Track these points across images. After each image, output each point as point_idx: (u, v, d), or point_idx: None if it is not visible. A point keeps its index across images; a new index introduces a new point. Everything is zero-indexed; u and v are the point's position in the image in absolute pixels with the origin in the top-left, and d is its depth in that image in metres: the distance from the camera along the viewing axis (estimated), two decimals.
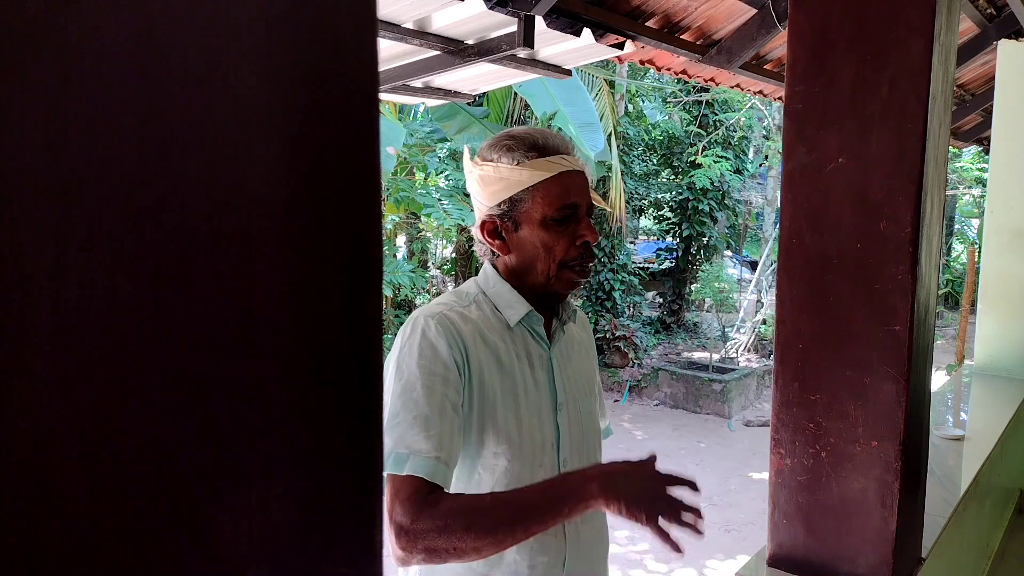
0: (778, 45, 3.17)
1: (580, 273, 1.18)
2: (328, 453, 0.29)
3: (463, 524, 0.99)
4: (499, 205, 1.17)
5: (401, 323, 8.19)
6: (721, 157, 10.08)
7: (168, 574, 0.24)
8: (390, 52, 2.68)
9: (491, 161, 1.17)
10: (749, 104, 10.38)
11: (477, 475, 1.16)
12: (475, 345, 1.14)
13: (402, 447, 1.04)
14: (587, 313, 9.63)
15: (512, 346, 1.19)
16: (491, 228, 1.19)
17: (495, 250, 1.20)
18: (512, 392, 1.16)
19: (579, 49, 2.71)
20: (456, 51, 2.58)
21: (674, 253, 11.07)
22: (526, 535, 1.02)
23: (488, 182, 1.17)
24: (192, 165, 0.24)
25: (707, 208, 10.40)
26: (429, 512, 1.00)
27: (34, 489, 0.21)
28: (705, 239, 10.68)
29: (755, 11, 2.80)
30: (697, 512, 1.03)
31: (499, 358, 1.16)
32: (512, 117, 9.78)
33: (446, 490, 1.06)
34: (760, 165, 12.60)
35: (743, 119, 10.83)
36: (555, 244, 1.15)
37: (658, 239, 13.79)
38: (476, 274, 1.27)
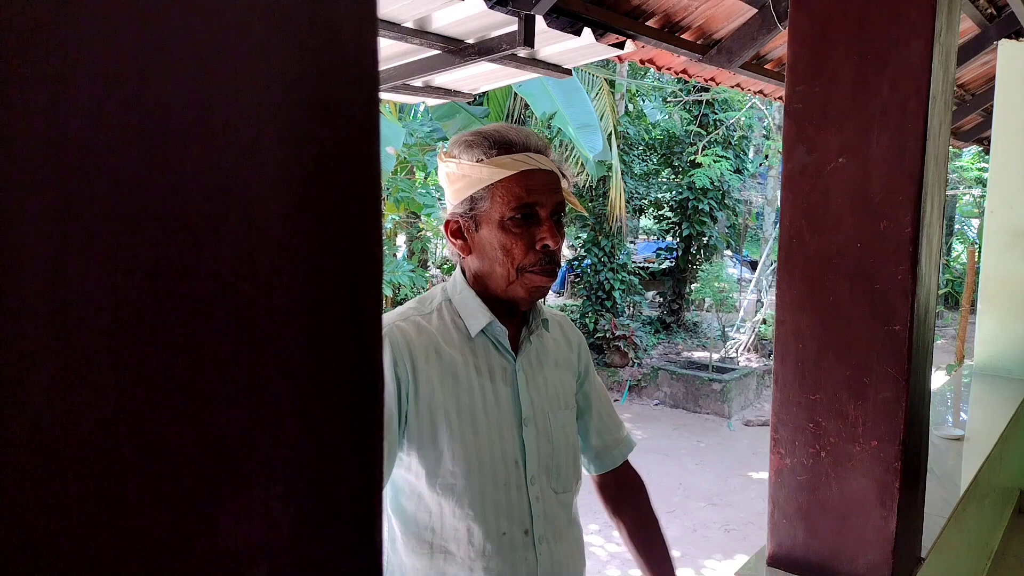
0: (778, 45, 3.17)
1: (541, 274, 1.11)
2: (328, 453, 0.29)
3: None
4: (461, 203, 1.12)
5: None
6: (721, 157, 10.08)
7: (168, 574, 0.24)
8: (390, 51, 2.68)
9: (455, 157, 1.12)
10: (749, 104, 10.38)
11: (436, 493, 1.10)
12: (427, 359, 1.10)
13: None
14: (587, 313, 9.63)
15: (472, 358, 1.13)
16: (454, 228, 1.14)
17: (459, 251, 1.16)
18: (469, 408, 1.10)
19: (579, 48, 2.71)
20: (456, 50, 2.58)
21: (674, 253, 11.07)
22: None
23: (452, 179, 1.13)
24: (192, 165, 0.24)
25: (707, 208, 10.40)
26: None
27: (34, 489, 0.21)
28: (705, 239, 10.68)
29: (755, 11, 2.80)
30: None
31: (455, 372, 1.11)
32: (512, 117, 9.78)
33: None
34: (760, 165, 12.61)
35: (743, 119, 10.83)
36: (513, 246, 1.09)
37: (658, 239, 13.80)
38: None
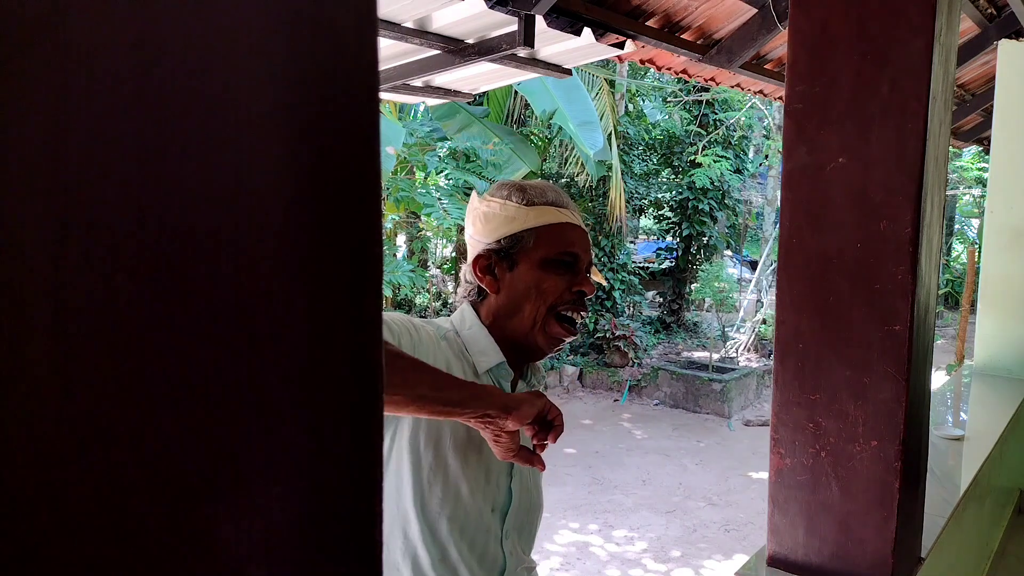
0: (778, 45, 3.17)
1: (567, 329, 1.13)
2: (328, 453, 0.29)
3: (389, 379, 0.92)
4: (498, 241, 1.13)
5: None
6: (721, 156, 10.07)
7: (168, 574, 0.24)
8: (390, 51, 2.68)
9: (500, 199, 1.15)
10: (749, 104, 10.37)
11: (416, 513, 1.07)
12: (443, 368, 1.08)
13: None
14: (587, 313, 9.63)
15: None
16: (484, 264, 1.15)
17: (484, 287, 1.15)
18: (464, 438, 1.09)
19: (579, 48, 2.71)
20: (456, 50, 2.58)
21: (674, 253, 11.07)
22: (427, 403, 0.96)
23: (491, 218, 1.15)
24: (192, 164, 0.24)
25: (707, 208, 10.39)
26: None
27: (34, 489, 0.21)
28: (705, 239, 10.68)
29: (755, 11, 2.80)
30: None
31: None
32: (512, 116, 9.79)
33: None
34: (760, 165, 12.60)
35: (743, 118, 10.82)
36: (550, 286, 1.12)
37: (658, 239, 13.79)
38: None
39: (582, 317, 1.16)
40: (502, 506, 1.14)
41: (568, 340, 1.16)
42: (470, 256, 1.18)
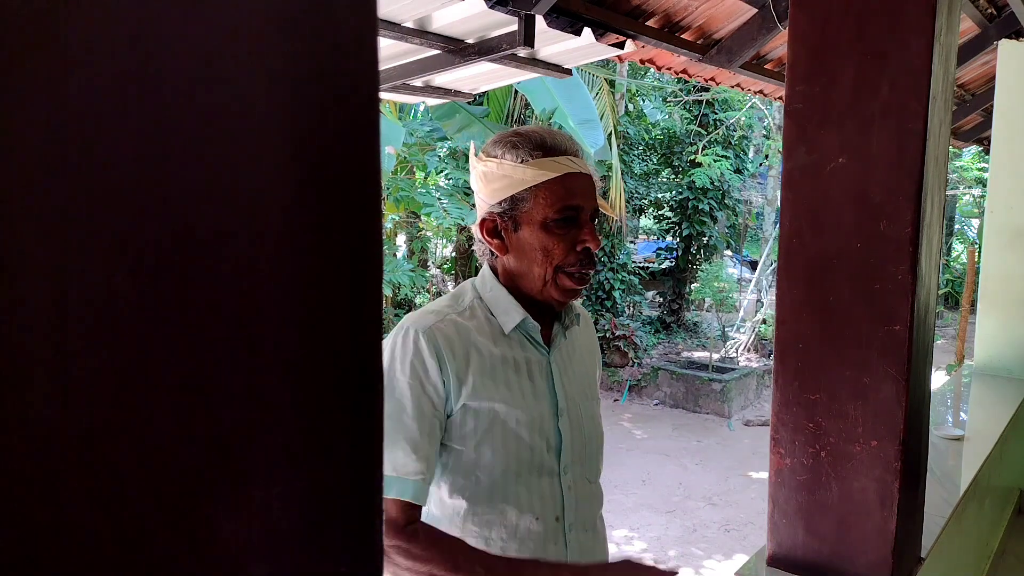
0: (778, 45, 3.17)
1: (578, 280, 1.15)
2: (328, 453, 0.29)
3: (439, 560, 1.03)
4: (500, 203, 1.14)
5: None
6: (721, 156, 10.07)
7: (168, 574, 0.24)
8: (390, 51, 2.68)
9: (495, 157, 1.14)
10: (749, 103, 10.37)
11: (473, 483, 1.13)
12: (467, 359, 1.12)
13: (390, 469, 1.06)
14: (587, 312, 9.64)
15: (509, 352, 1.16)
16: (490, 227, 1.16)
17: (493, 250, 1.17)
18: (508, 402, 1.13)
19: (579, 48, 2.71)
20: (456, 50, 2.58)
21: (674, 253, 11.07)
22: None
23: (491, 179, 1.14)
24: (193, 165, 0.24)
25: (707, 207, 10.39)
26: (407, 537, 1.04)
27: (33, 490, 0.21)
28: (705, 239, 10.68)
29: (756, 11, 2.80)
30: None
31: (493, 368, 1.14)
32: (512, 115, 9.78)
33: (423, 506, 1.09)
34: (760, 165, 12.60)
35: (743, 118, 10.82)
36: (554, 247, 1.12)
37: (658, 239, 13.80)
38: (476, 273, 1.25)
39: (591, 272, 1.17)
40: (557, 446, 1.18)
41: (581, 289, 1.17)
42: (478, 217, 1.20)
